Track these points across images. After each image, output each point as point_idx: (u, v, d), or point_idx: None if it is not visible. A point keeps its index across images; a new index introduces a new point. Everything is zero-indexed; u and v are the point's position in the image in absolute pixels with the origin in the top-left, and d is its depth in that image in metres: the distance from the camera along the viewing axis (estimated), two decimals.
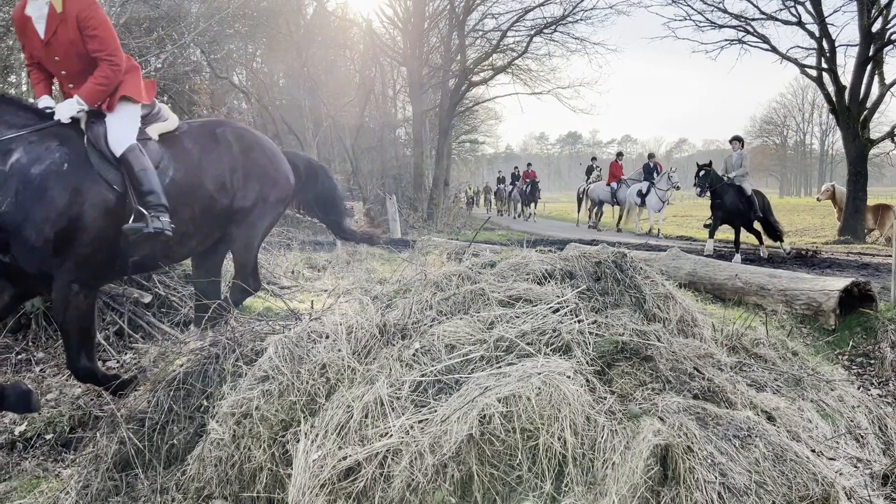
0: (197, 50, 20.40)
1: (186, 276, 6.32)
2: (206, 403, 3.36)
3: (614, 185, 19.30)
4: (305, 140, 21.63)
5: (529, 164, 27.90)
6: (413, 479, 2.46)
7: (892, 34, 15.91)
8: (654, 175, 17.83)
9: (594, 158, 23.41)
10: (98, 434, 3.54)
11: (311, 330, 3.37)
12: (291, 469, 2.74)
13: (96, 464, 3.29)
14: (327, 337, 3.29)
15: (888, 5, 15.72)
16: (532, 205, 26.93)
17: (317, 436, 2.74)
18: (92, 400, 4.25)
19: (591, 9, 22.23)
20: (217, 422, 3.08)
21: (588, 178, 21.98)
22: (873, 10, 15.85)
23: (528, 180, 26.63)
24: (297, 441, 2.79)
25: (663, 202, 17.46)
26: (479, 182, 47.69)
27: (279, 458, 2.89)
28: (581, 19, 22.22)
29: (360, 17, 24.95)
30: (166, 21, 15.34)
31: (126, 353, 5.13)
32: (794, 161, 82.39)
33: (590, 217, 21.30)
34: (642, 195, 17.70)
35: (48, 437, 3.86)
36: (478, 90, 26.94)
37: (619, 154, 20.46)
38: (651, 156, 19.96)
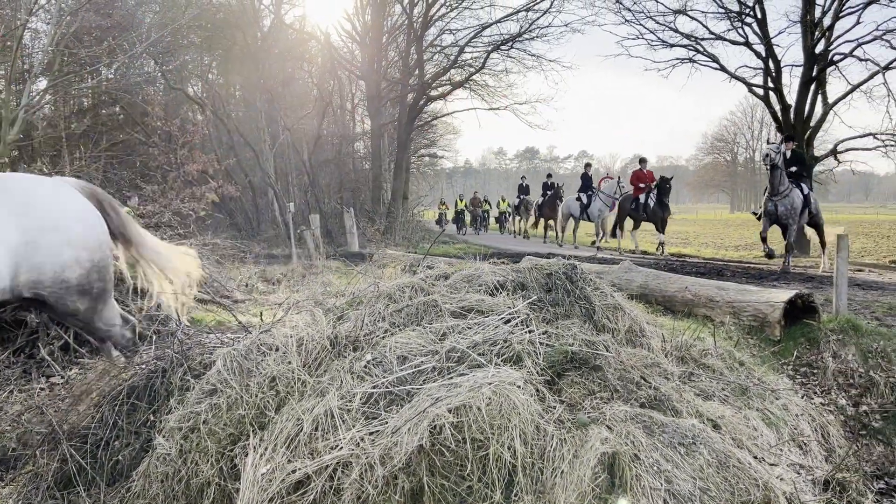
0: (150, 60, 20.10)
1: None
2: (152, 418, 3.29)
3: None
4: (262, 152, 21.40)
5: (644, 161, 16.64)
6: (363, 492, 2.45)
7: (834, 55, 16.62)
8: None
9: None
10: (38, 451, 3.42)
11: (260, 342, 3.33)
12: (240, 483, 2.69)
13: (36, 482, 3.19)
14: (277, 349, 3.26)
15: (830, 28, 16.43)
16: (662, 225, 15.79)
17: (266, 449, 2.71)
18: (33, 417, 4.12)
19: (547, 26, 22.60)
20: (164, 437, 3.01)
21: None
22: (816, 32, 16.52)
23: (643, 184, 15.96)
24: (246, 455, 2.75)
25: None
26: (441, 196, 45.52)
27: (227, 472, 2.83)
28: (537, 37, 22.62)
29: (318, 31, 24.92)
30: (118, 31, 15.09)
31: (72, 369, 4.98)
32: (745, 177, 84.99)
33: None
34: None
35: None
36: (436, 105, 27.09)
37: None
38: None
